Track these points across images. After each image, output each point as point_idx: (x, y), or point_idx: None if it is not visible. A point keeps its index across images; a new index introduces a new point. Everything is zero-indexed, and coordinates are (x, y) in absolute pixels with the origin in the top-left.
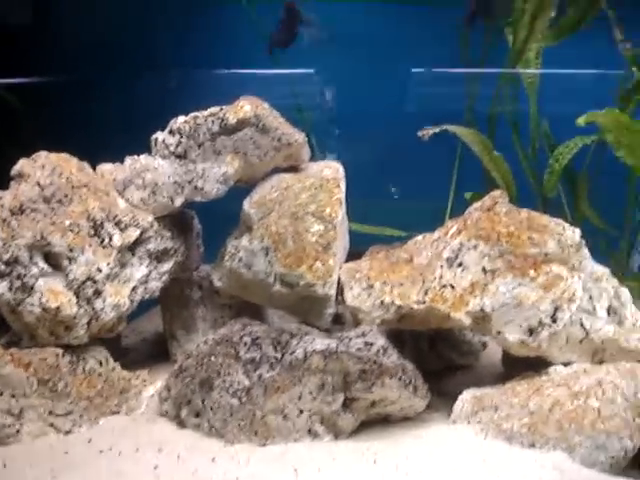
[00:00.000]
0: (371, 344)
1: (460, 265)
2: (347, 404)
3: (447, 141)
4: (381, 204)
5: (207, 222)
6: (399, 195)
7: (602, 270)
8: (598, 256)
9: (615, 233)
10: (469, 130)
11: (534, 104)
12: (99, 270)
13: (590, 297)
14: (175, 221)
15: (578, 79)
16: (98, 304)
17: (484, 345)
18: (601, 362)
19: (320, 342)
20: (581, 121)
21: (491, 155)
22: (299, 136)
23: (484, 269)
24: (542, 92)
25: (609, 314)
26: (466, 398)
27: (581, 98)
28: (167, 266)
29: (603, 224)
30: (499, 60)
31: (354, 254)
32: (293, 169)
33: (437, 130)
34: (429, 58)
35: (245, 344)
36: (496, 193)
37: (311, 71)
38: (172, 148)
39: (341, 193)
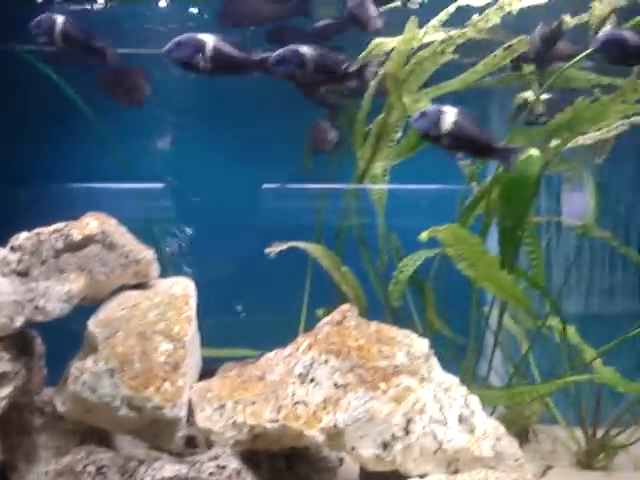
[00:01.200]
0: (224, 467)
1: (312, 381)
2: None
3: (300, 255)
4: (233, 321)
5: (51, 342)
6: (253, 311)
7: (451, 379)
8: (447, 364)
9: (462, 341)
10: (316, 246)
11: (382, 218)
12: None
13: (441, 407)
14: (15, 342)
15: (425, 194)
16: None
17: (341, 461)
18: (456, 472)
19: (169, 468)
20: (423, 237)
21: (340, 270)
22: (147, 252)
23: (336, 384)
24: (391, 206)
25: (460, 423)
26: None
27: (429, 212)
28: (6, 391)
29: (450, 332)
30: (348, 175)
31: (207, 372)
32: (141, 286)
33: (284, 247)
34: (281, 174)
35: (89, 474)
36: (345, 307)
37: (161, 185)
38: (13, 266)
39: (191, 310)
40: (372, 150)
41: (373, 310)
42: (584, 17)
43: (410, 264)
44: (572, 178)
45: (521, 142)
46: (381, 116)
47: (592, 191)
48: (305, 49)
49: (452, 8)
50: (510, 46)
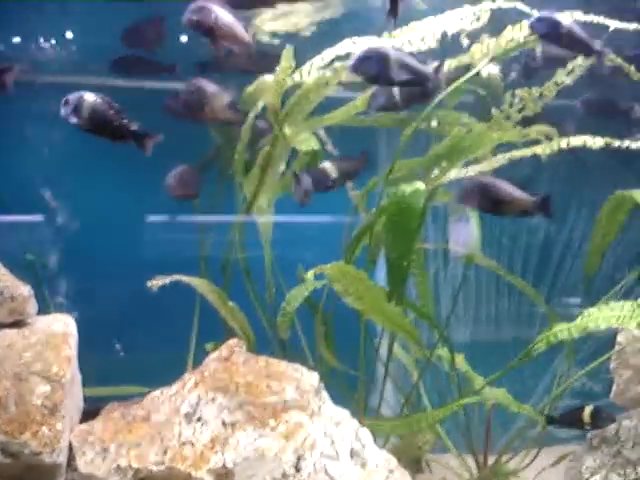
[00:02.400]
0: None
1: (199, 420)
2: None
3: (190, 289)
4: (120, 358)
5: None
6: (141, 347)
7: (342, 413)
8: (340, 397)
9: (353, 372)
10: (202, 280)
11: (268, 250)
12: None
13: (332, 442)
14: None
15: (314, 226)
16: None
17: None
18: None
19: None
20: (310, 275)
21: (226, 305)
22: (24, 289)
23: (224, 422)
24: (279, 238)
25: (352, 457)
26: None
27: (318, 243)
28: None
29: (340, 364)
30: (234, 208)
31: (91, 412)
32: (18, 324)
33: (167, 281)
34: (165, 206)
35: None
36: (233, 342)
37: (40, 217)
38: None
39: (71, 349)
40: (257, 182)
41: (264, 343)
42: (464, 59)
43: (298, 295)
44: (457, 209)
45: (404, 173)
46: (265, 148)
47: (476, 221)
48: (88, 95)
49: (339, 50)
50: None
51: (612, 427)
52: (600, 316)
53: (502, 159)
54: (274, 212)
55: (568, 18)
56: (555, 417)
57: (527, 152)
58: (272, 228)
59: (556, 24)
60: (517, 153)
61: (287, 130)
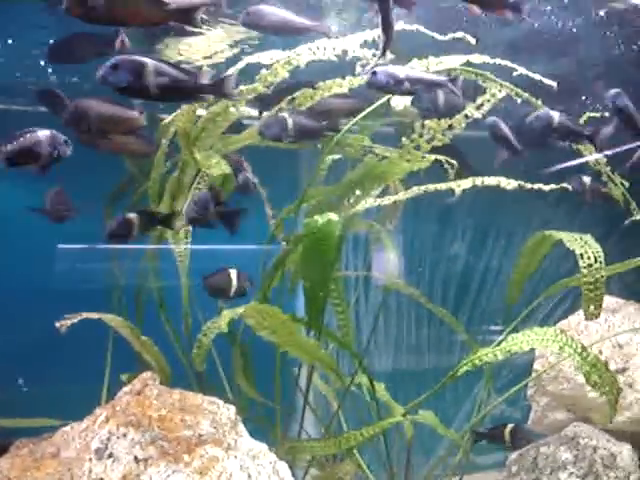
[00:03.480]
0: None
1: (110, 456)
2: None
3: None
4: (31, 392)
5: None
6: (55, 379)
7: (259, 446)
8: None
9: (270, 404)
10: (113, 316)
11: (185, 280)
12: None
13: (248, 476)
14: None
15: (235, 254)
16: None
17: None
18: None
19: None
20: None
21: (139, 339)
22: None
23: (136, 458)
24: (198, 267)
25: None
26: None
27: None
28: None
29: (260, 396)
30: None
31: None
32: None
33: (76, 320)
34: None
35: None
36: (146, 375)
37: None
38: None
39: None
40: (169, 209)
41: (182, 376)
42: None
43: (213, 327)
44: (378, 238)
45: (319, 200)
46: (175, 174)
47: (397, 250)
48: None
49: (241, 65)
50: (293, 99)
51: (530, 454)
52: (524, 339)
53: (417, 190)
54: (192, 240)
55: (405, 69)
56: (481, 432)
57: (442, 186)
58: (189, 257)
59: (392, 75)
60: (432, 187)
61: (197, 155)
